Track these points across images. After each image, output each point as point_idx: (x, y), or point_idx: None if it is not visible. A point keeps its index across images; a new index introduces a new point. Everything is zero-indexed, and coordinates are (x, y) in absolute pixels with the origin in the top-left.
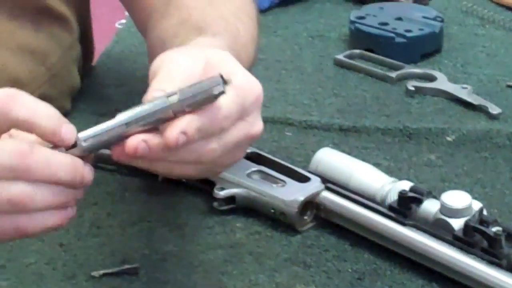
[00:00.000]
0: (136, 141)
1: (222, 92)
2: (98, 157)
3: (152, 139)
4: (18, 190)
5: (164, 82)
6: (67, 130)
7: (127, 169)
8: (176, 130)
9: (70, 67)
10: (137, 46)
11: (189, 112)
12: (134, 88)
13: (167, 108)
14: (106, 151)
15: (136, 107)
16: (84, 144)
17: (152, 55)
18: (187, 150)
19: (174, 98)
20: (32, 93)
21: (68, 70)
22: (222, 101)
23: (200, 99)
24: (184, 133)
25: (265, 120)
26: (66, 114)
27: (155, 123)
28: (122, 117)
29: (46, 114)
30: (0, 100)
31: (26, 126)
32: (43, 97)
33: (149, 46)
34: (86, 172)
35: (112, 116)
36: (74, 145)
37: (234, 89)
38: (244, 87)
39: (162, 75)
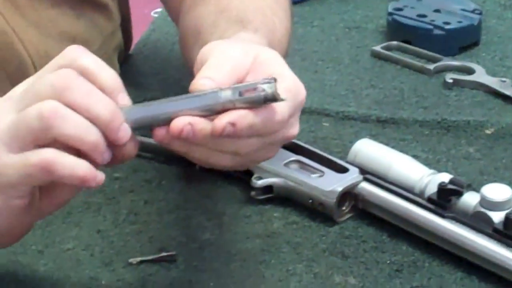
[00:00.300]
0: (183, 123)
1: (277, 96)
2: None
3: (198, 123)
4: (50, 105)
5: (213, 70)
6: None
7: (164, 156)
8: (225, 119)
9: (110, 55)
10: (173, 34)
11: (238, 109)
12: (170, 76)
13: (218, 102)
14: (143, 139)
15: (186, 95)
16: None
17: (185, 41)
18: (229, 140)
19: (227, 93)
20: None
21: (109, 59)
22: (278, 105)
23: (251, 99)
24: (232, 124)
25: (302, 111)
26: None
27: (203, 113)
28: (171, 101)
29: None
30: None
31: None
32: None
33: (182, 32)
34: (122, 129)
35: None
36: None
37: (286, 93)
38: (293, 91)
39: (212, 63)
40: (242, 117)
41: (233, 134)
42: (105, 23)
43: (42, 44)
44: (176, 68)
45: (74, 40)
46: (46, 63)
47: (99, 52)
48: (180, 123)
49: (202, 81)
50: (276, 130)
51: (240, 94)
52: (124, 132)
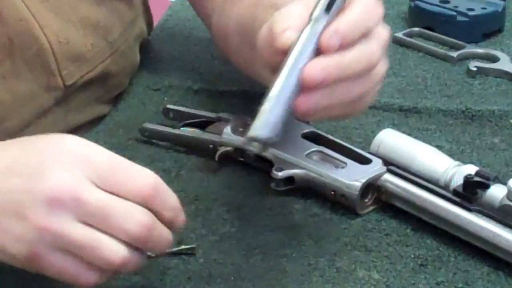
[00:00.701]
0: (313, 70)
1: None
2: (152, 133)
3: (319, 61)
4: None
5: (285, 20)
6: None
7: (183, 146)
8: (327, 33)
9: (131, 43)
10: (190, 20)
11: None
12: (188, 63)
13: (317, 33)
14: (160, 128)
15: (286, 59)
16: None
17: (227, 40)
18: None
19: (318, 22)
20: (94, 68)
21: (130, 47)
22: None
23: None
24: (335, 31)
25: None
26: (123, 90)
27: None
28: (284, 75)
29: None
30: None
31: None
32: (104, 73)
33: (222, 33)
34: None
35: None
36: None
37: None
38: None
39: (279, 19)
40: (337, 24)
41: (343, 40)
42: (126, 11)
43: (62, 30)
44: (193, 54)
45: (95, 27)
46: (66, 49)
47: (120, 40)
48: (311, 71)
49: (285, 34)
50: (375, 22)
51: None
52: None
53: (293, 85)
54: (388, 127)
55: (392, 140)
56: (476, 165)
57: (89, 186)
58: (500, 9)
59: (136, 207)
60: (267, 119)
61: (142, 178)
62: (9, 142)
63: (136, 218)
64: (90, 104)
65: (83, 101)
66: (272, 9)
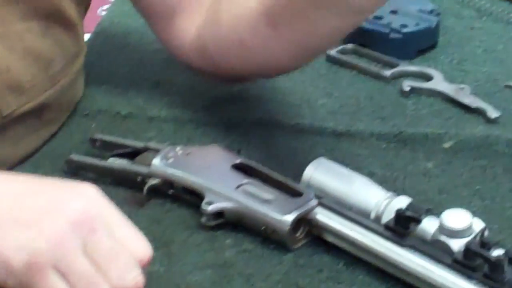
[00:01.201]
0: None
1: None
2: (79, 164)
3: None
4: None
5: None
6: None
7: (111, 177)
8: None
9: (73, 77)
10: (120, 38)
11: None
12: (117, 86)
13: None
14: (87, 159)
15: None
16: None
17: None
18: None
19: None
20: (32, 100)
21: (71, 80)
22: None
23: None
24: None
25: (254, 123)
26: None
27: None
28: None
29: None
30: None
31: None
32: (42, 106)
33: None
34: None
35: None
36: None
37: None
38: None
39: None
40: None
41: None
42: (70, 44)
43: (4, 58)
44: (122, 76)
45: (37, 58)
46: (5, 78)
47: (62, 73)
48: None
49: None
50: None
51: None
52: None
53: None
54: (321, 152)
55: (323, 170)
56: (409, 192)
57: (104, 227)
58: (433, 25)
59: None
60: None
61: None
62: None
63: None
64: (27, 136)
65: (19, 133)
66: None
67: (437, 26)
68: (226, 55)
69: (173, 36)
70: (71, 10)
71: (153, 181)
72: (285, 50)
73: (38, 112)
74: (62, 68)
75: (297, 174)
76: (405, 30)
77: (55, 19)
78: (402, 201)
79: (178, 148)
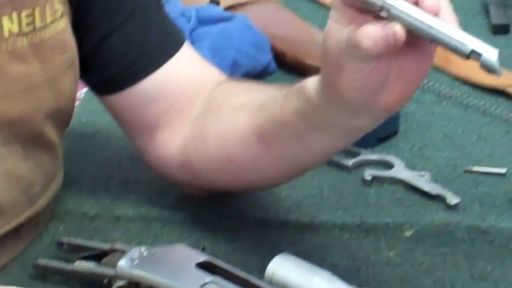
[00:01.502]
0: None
1: None
2: (46, 269)
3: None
4: None
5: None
6: None
7: (78, 280)
8: None
9: (51, 198)
10: (87, 136)
11: None
12: (84, 185)
13: None
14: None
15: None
16: None
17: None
18: None
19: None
20: (9, 221)
21: (50, 199)
22: None
23: None
24: None
25: (219, 218)
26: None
27: None
28: None
29: None
30: None
31: None
32: (21, 225)
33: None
34: None
35: None
36: None
37: None
38: None
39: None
40: None
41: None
42: (50, 165)
43: None
44: (89, 175)
45: (19, 180)
46: None
47: (40, 195)
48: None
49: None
50: None
51: None
52: None
53: None
54: (285, 246)
55: (285, 267)
56: (371, 283)
57: None
58: (395, 113)
59: None
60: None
61: None
62: None
63: None
64: (5, 253)
65: None
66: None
67: (398, 113)
68: (212, 170)
69: (154, 149)
70: (51, 134)
71: (119, 283)
72: (275, 167)
73: (15, 232)
74: (42, 188)
75: (262, 268)
76: None
77: (37, 142)
78: None
79: (143, 249)
